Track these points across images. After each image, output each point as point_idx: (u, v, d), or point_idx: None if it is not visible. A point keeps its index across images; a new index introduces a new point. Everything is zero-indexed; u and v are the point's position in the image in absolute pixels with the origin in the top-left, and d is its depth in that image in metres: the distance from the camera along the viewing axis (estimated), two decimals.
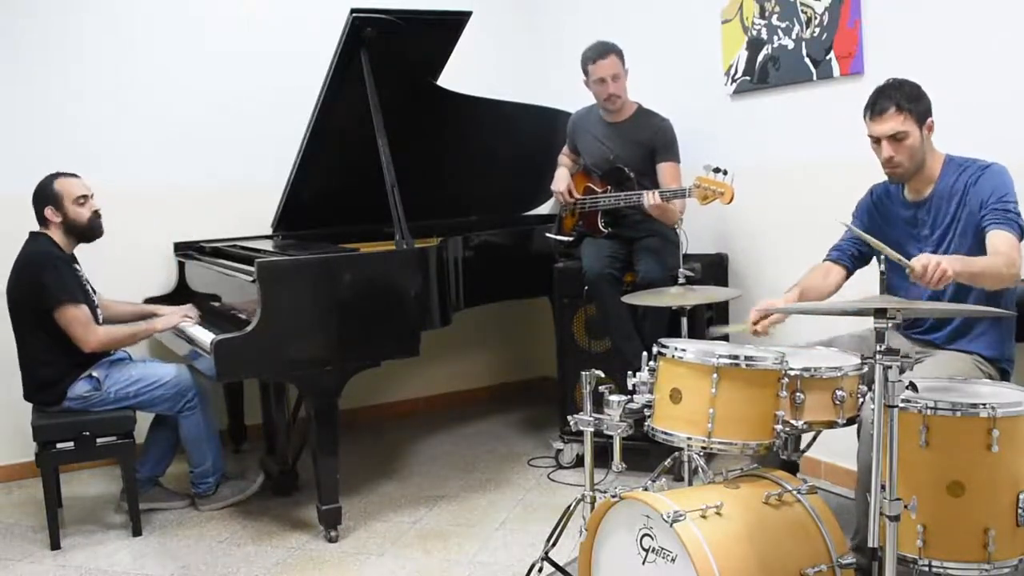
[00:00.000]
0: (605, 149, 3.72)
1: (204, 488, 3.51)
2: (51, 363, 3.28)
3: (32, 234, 3.39)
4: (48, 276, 3.24)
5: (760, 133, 3.73)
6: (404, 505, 3.54)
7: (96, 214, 3.41)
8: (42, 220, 3.37)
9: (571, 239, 3.82)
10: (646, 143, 3.66)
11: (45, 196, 3.35)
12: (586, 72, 3.64)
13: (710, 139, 3.87)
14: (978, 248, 2.48)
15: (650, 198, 3.37)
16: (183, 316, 3.48)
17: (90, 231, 3.41)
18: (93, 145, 4.08)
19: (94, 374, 3.30)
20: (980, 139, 2.80)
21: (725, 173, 3.09)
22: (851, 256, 2.80)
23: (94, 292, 3.50)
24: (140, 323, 3.46)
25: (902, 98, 2.49)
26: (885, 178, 2.76)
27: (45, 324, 3.25)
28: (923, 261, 2.24)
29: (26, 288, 3.27)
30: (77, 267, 3.42)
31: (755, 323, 2.63)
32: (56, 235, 3.37)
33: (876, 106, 2.52)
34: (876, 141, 2.55)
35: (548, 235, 3.93)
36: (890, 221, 2.73)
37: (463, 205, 4.43)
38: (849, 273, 2.80)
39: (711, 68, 3.90)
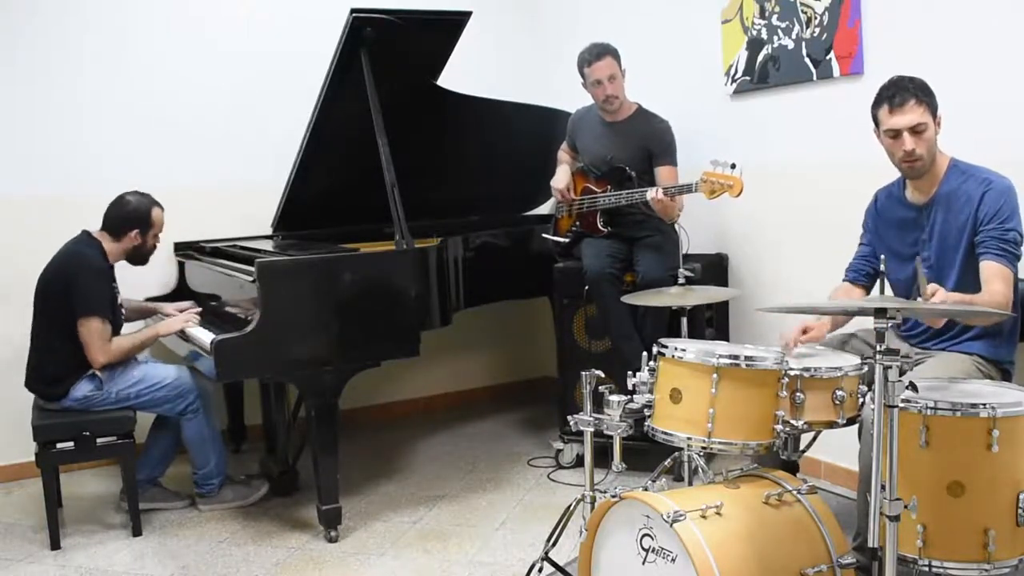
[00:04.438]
0: (603, 149, 3.72)
1: (207, 489, 3.52)
2: (62, 360, 3.28)
3: (85, 234, 3.40)
4: (86, 283, 3.25)
5: (760, 133, 3.73)
6: (404, 505, 3.54)
7: (155, 247, 3.51)
8: (115, 232, 3.38)
9: (567, 240, 3.81)
10: (644, 144, 3.65)
11: (137, 218, 3.39)
12: (583, 75, 3.64)
13: (710, 139, 3.87)
14: (967, 263, 2.48)
15: (654, 193, 3.36)
16: (186, 320, 3.47)
17: (143, 260, 3.50)
18: (93, 145, 4.08)
19: (97, 373, 3.30)
20: (980, 139, 2.80)
21: (734, 167, 3.05)
22: (867, 275, 2.79)
23: (122, 308, 3.51)
24: (144, 331, 3.46)
25: (918, 90, 2.46)
26: (886, 181, 2.76)
27: (66, 323, 3.25)
28: (940, 296, 2.21)
29: (61, 286, 3.28)
30: (114, 282, 3.44)
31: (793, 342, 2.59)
32: (110, 247, 3.38)
33: (895, 98, 2.47)
34: (894, 135, 2.50)
35: (544, 235, 3.92)
36: (890, 223, 2.72)
37: (463, 205, 4.43)
38: (867, 291, 2.79)
39: (711, 68, 3.90)
